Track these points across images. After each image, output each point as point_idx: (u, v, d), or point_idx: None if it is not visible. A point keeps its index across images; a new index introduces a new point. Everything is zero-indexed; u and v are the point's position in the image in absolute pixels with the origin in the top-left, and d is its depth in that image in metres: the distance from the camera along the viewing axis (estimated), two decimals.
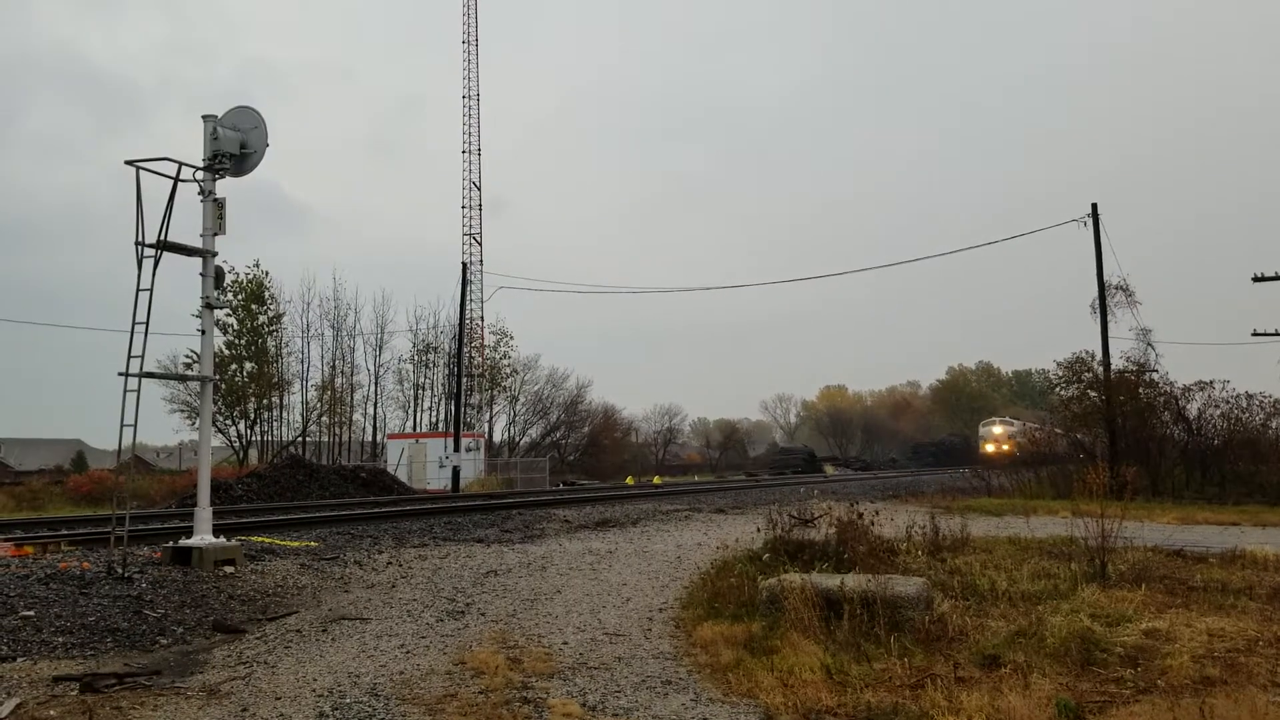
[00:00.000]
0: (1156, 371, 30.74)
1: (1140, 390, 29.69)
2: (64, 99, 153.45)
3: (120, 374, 11.49)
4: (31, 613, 8.23)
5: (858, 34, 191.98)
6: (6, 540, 13.55)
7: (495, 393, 62.70)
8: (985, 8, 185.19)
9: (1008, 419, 73.69)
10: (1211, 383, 29.35)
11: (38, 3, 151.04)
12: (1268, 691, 5.97)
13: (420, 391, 62.52)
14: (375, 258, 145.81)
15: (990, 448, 67.89)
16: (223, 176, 11.93)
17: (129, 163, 11.60)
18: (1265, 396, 29.09)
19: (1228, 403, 29.20)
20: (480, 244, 59.26)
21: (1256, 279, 30.46)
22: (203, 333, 12.11)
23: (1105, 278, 29.56)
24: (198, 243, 11.97)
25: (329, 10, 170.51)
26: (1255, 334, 32.60)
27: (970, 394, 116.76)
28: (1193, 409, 29.86)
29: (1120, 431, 28.69)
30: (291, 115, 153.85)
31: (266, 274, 52.70)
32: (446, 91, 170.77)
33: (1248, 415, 29.07)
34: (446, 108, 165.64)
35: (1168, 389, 30.17)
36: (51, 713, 5.70)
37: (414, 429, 59.23)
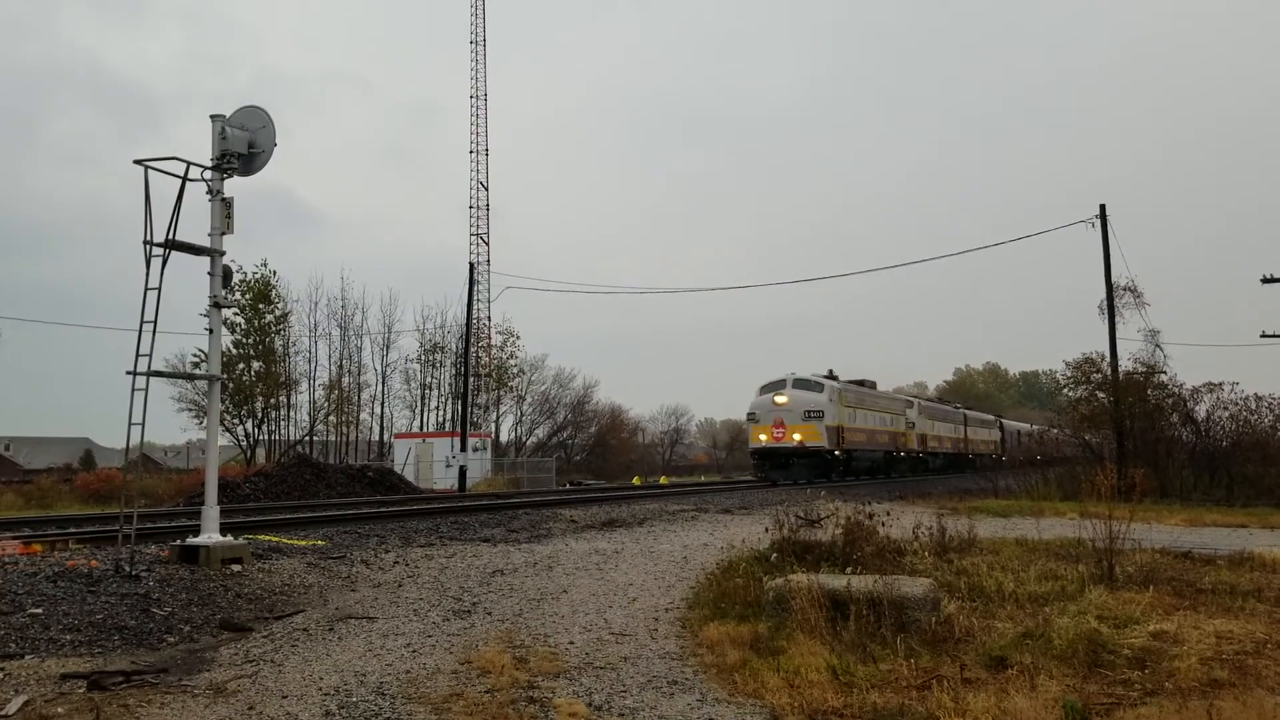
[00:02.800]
0: (1165, 373, 30.66)
1: (1149, 392, 29.60)
2: (87, 107, 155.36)
3: (128, 373, 11.53)
4: (39, 610, 8.25)
5: (866, 36, 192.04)
6: (15, 538, 13.59)
7: (502, 393, 62.85)
8: (995, 10, 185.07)
9: (813, 379, 38.75)
10: (1220, 384, 29.36)
11: (63, 14, 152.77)
12: (1276, 694, 5.95)
13: (427, 391, 62.65)
14: (384, 259, 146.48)
15: (764, 437, 37.72)
16: (230, 176, 11.95)
17: (138, 162, 11.62)
18: (1274, 398, 29.10)
19: (1236, 404, 29.20)
20: (487, 244, 59.40)
21: (1265, 280, 30.34)
22: (210, 332, 12.13)
23: (1114, 279, 29.49)
24: (206, 242, 12.01)
25: (343, 19, 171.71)
26: (1264, 335, 32.51)
27: (977, 395, 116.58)
28: (1201, 411, 29.86)
29: (1128, 433, 28.61)
30: (306, 121, 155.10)
31: (274, 273, 52.89)
32: (456, 97, 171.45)
33: (1256, 417, 29.04)
34: (456, 113, 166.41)
35: (1176, 390, 30.12)
36: (59, 710, 5.71)
37: (421, 429, 59.30)
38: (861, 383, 44.33)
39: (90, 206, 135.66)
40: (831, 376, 39.93)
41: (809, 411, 37.03)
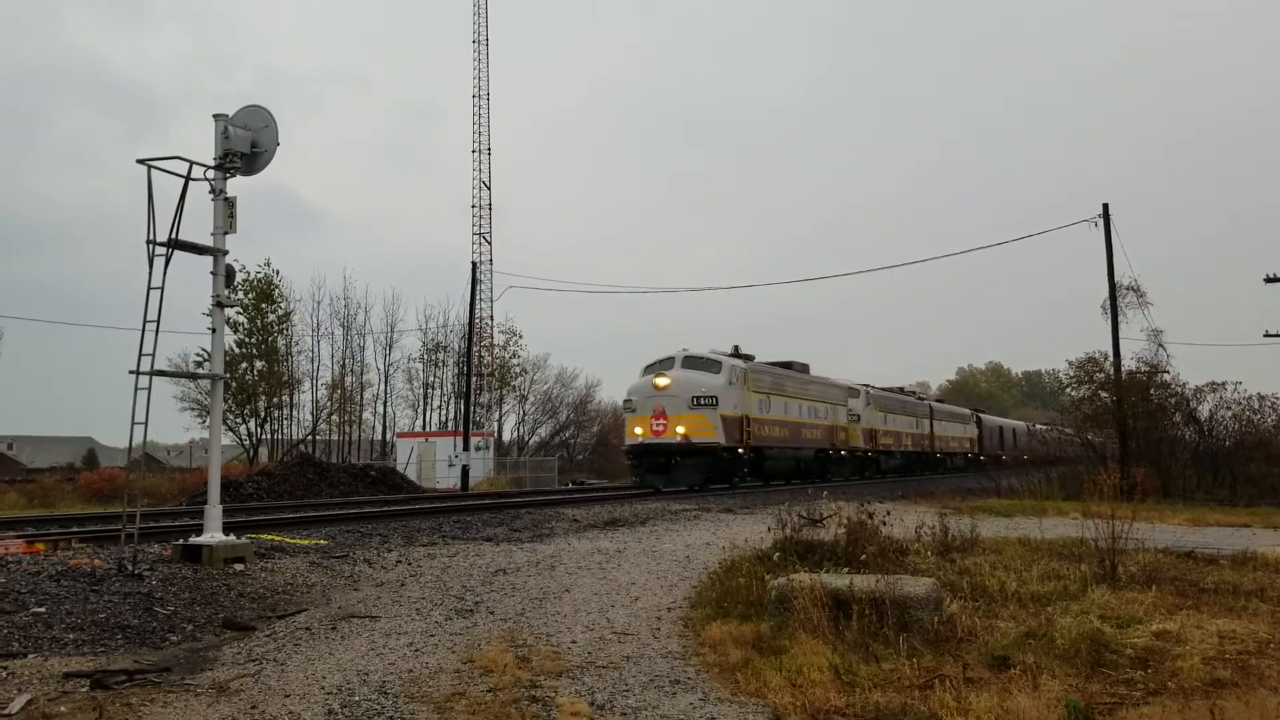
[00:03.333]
0: (1168, 372, 30.61)
1: (1152, 391, 29.56)
2: (87, 108, 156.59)
3: (131, 372, 11.55)
4: (43, 609, 8.26)
5: (867, 37, 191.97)
6: (18, 537, 13.60)
7: (504, 392, 62.81)
8: (995, 10, 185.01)
9: (709, 357, 30.32)
10: (1223, 384, 29.30)
11: (67, 14, 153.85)
12: (1279, 694, 5.94)
13: (430, 390, 62.70)
14: (386, 258, 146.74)
15: (640, 429, 29.22)
16: (233, 175, 11.96)
17: (140, 161, 11.63)
18: (1278, 398, 29.03)
19: (1239, 404, 29.14)
20: (489, 243, 59.38)
21: (1268, 280, 30.36)
22: (213, 331, 12.13)
23: (1116, 278, 29.39)
24: (209, 241, 12.02)
25: (343, 19, 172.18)
26: (1267, 335, 32.50)
27: (980, 394, 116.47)
28: (1204, 410, 29.80)
29: (1131, 432, 28.57)
30: (307, 121, 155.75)
31: (277, 272, 52.77)
32: (457, 97, 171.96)
33: (1259, 417, 29.00)
34: (457, 113, 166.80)
35: (1179, 390, 30.06)
36: (62, 709, 5.72)
37: (423, 428, 59.35)
38: (788, 365, 35.97)
39: (91, 207, 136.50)
40: (740, 355, 31.51)
41: (699, 398, 28.21)
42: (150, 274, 11.79)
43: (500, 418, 64.05)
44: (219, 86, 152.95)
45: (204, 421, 51.25)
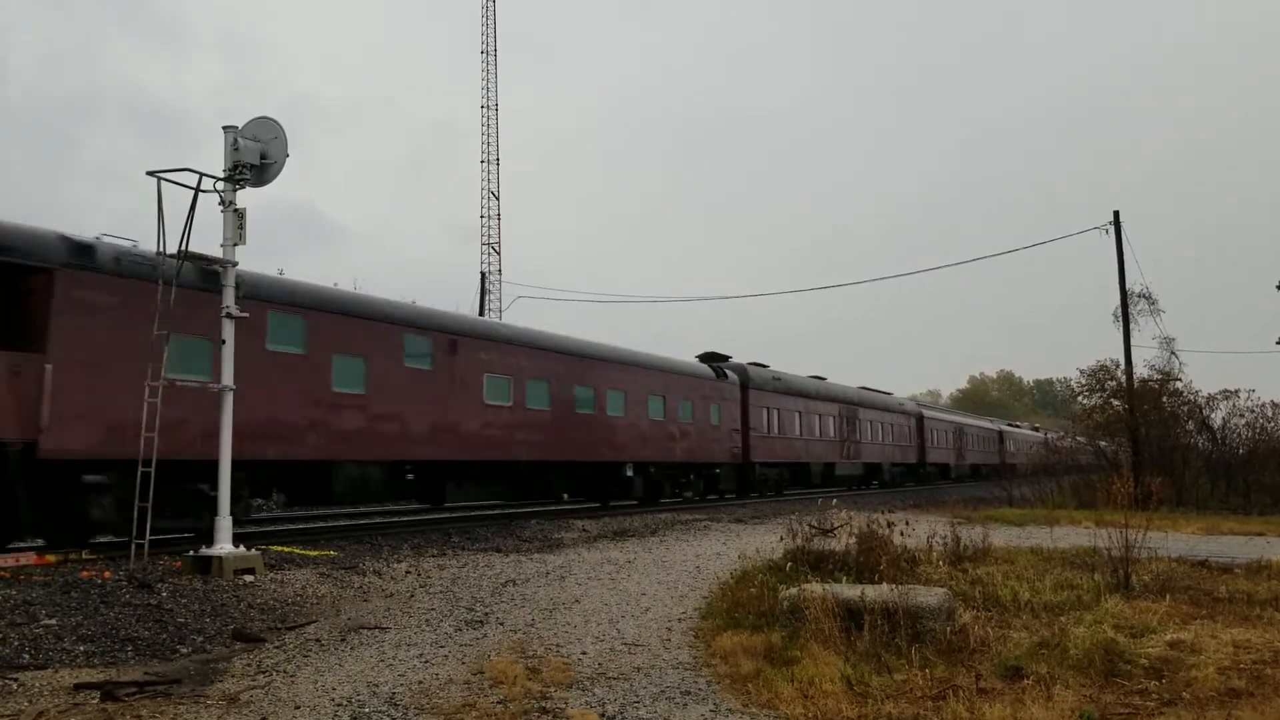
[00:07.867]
0: (1180, 380, 30.47)
1: (1164, 399, 29.43)
2: (127, 131, 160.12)
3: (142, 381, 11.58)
4: (53, 621, 8.27)
5: (875, 45, 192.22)
6: (29, 549, 13.63)
7: None
8: (1004, 15, 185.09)
9: None
10: (1236, 392, 29.20)
11: (109, 45, 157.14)
12: None
13: None
14: (400, 269, 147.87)
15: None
16: (243, 187, 12.02)
17: (151, 173, 11.71)
18: None
19: (1252, 412, 29.06)
20: (499, 253, 59.40)
21: None
22: (224, 342, 12.16)
23: (1128, 286, 29.31)
24: (219, 253, 12.07)
25: (370, 46, 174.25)
26: None
27: (991, 402, 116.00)
28: (1217, 418, 29.72)
29: (1144, 441, 28.43)
30: (334, 142, 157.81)
31: None
32: (474, 115, 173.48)
33: (1273, 425, 28.87)
34: (474, 130, 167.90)
35: (1192, 398, 29.96)
36: None
37: None
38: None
39: (125, 226, 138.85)
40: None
41: None
42: (159, 285, 11.84)
43: None
44: (252, 110, 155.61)
45: None
